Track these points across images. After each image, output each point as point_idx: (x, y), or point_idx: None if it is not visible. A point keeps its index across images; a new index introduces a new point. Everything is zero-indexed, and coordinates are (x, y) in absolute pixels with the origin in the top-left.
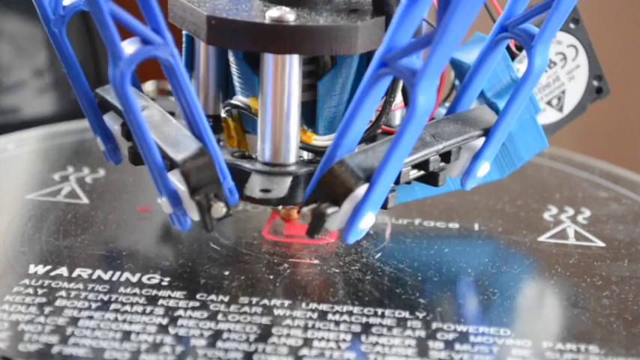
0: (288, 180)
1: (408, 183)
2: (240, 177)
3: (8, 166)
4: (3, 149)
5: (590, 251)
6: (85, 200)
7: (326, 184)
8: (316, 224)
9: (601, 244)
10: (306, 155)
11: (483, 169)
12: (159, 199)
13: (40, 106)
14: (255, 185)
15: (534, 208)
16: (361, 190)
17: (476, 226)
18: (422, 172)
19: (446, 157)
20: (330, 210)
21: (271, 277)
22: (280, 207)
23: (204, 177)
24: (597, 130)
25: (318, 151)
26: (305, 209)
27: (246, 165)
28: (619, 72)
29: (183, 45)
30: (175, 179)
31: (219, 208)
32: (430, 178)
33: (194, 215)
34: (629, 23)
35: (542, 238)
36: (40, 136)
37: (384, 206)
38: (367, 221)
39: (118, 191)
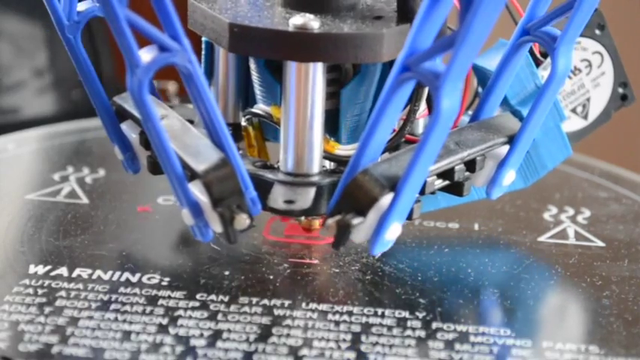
0: (312, 191)
1: (433, 193)
2: (263, 187)
3: (8, 166)
4: (3, 149)
5: (590, 251)
6: (85, 200)
7: (350, 194)
8: (342, 236)
9: (601, 244)
10: (328, 165)
11: (509, 177)
12: (180, 209)
13: (40, 106)
14: (278, 196)
15: (534, 208)
16: (386, 199)
17: (476, 226)
18: (447, 182)
19: (471, 166)
20: (355, 221)
21: (271, 277)
22: (302, 217)
23: (226, 188)
24: (597, 130)
25: (341, 161)
26: (330, 221)
27: (269, 175)
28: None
29: (203, 52)
30: (197, 190)
31: (242, 220)
32: (455, 188)
33: (216, 227)
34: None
35: (542, 238)
36: (40, 136)
37: (410, 217)
38: (393, 232)
39: (118, 191)
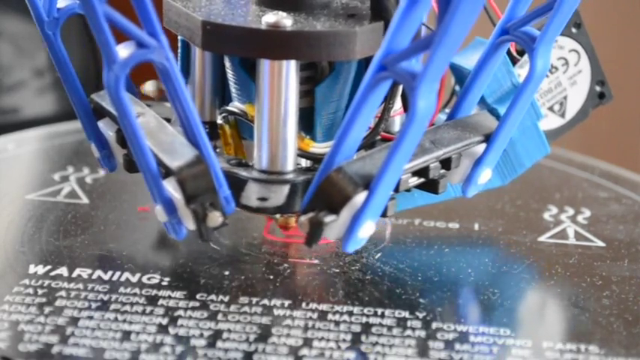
0: (286, 188)
1: (408, 190)
2: (237, 185)
3: (8, 166)
4: (3, 149)
5: (590, 251)
6: (85, 200)
7: (324, 192)
8: (314, 233)
9: (601, 244)
10: (304, 163)
11: (485, 175)
12: (154, 206)
13: (40, 106)
14: (251, 194)
15: (534, 208)
16: (360, 197)
17: (476, 226)
18: (422, 180)
19: (446, 163)
20: (328, 218)
21: (271, 277)
22: (277, 215)
23: (200, 185)
24: (597, 130)
25: (316, 159)
26: (302, 218)
27: (243, 173)
28: (619, 73)
29: (179, 50)
30: (171, 187)
31: (215, 218)
32: (430, 186)
33: (189, 224)
34: (627, 24)
35: (542, 238)
36: (40, 136)
37: (384, 214)
38: (367, 230)
39: (118, 191)
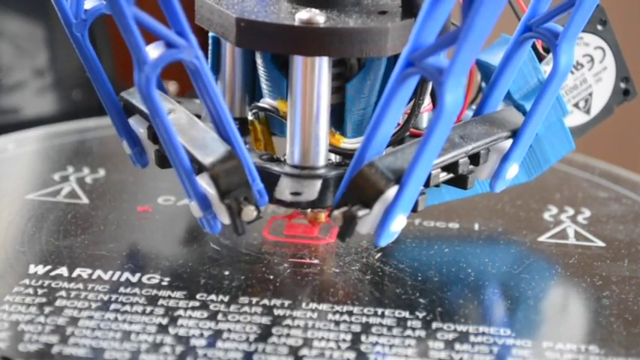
0: (318, 183)
1: (437, 186)
2: (269, 180)
3: (8, 166)
4: (3, 149)
5: (590, 251)
6: (85, 200)
7: (356, 187)
8: (347, 227)
9: (601, 244)
10: (334, 158)
11: (512, 170)
12: (188, 202)
13: (40, 106)
14: (285, 188)
15: (534, 208)
16: (392, 191)
17: (476, 226)
18: (451, 175)
19: (474, 159)
20: (361, 212)
21: (271, 277)
22: (309, 210)
23: (233, 180)
24: (597, 130)
25: (346, 154)
26: (336, 212)
27: (275, 168)
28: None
29: (210, 47)
30: (204, 183)
31: (249, 212)
32: (459, 181)
33: (224, 219)
34: (628, 24)
35: (542, 238)
36: (40, 136)
37: (415, 209)
38: (398, 224)
39: (118, 191)
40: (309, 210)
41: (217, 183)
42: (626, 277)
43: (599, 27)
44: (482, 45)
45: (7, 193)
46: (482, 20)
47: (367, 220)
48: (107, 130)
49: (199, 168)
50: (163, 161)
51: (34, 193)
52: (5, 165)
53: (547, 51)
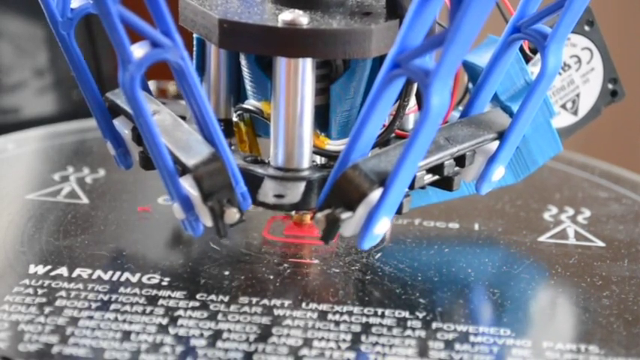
0: (302, 185)
1: (423, 188)
2: (253, 182)
3: (8, 166)
4: (3, 149)
5: (590, 251)
6: (85, 200)
7: (340, 189)
8: (330, 230)
9: (601, 244)
10: (319, 160)
11: (498, 172)
12: (171, 204)
13: (40, 106)
14: (268, 190)
15: (534, 208)
16: (375, 194)
17: (476, 226)
18: (436, 177)
19: (460, 161)
20: (344, 215)
21: (271, 277)
22: (293, 212)
23: (216, 182)
24: (597, 130)
25: (331, 156)
26: (319, 215)
27: (259, 170)
28: (619, 72)
29: (194, 48)
30: (187, 184)
31: (232, 214)
32: (444, 183)
33: (207, 221)
34: (628, 23)
35: (542, 238)
36: (40, 136)
37: (399, 211)
38: (382, 226)
39: (118, 191)
40: (294, 212)
41: (200, 185)
42: (626, 277)
43: (587, 28)
44: (469, 47)
45: (7, 193)
46: (469, 22)
47: (350, 222)
48: None
49: (183, 169)
50: (147, 163)
51: (34, 193)
52: (5, 165)
53: (534, 52)
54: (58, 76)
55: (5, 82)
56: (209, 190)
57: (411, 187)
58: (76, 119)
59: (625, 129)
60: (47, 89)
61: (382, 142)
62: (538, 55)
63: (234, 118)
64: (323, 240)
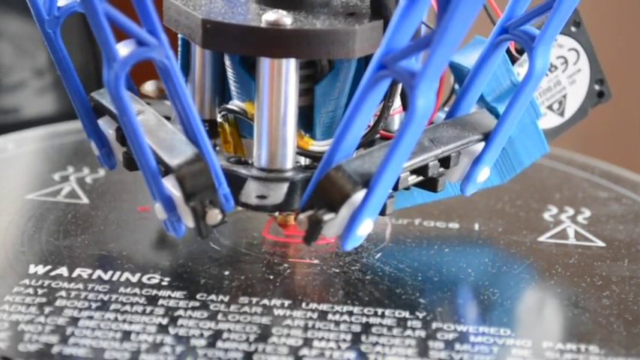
0: (285, 186)
1: (407, 189)
2: (236, 183)
3: (8, 166)
4: (3, 149)
5: (590, 251)
6: (85, 200)
7: (323, 190)
8: (313, 231)
9: (601, 244)
10: (303, 161)
11: (483, 174)
12: (153, 204)
13: (40, 106)
14: (251, 191)
15: (534, 208)
16: (359, 195)
17: (476, 226)
18: (421, 178)
19: (445, 162)
20: (327, 216)
21: (271, 277)
22: (277, 213)
23: (199, 183)
24: (597, 130)
25: (315, 157)
26: (301, 216)
27: (242, 171)
28: (619, 72)
29: (179, 48)
30: (170, 185)
31: (214, 215)
32: (429, 184)
33: (188, 222)
34: (627, 23)
35: (542, 238)
36: (40, 136)
37: (383, 212)
38: (365, 228)
39: (118, 191)
40: (277, 213)
41: (183, 185)
42: (626, 277)
43: (573, 29)
44: (456, 49)
45: (7, 193)
46: (457, 24)
47: (333, 224)
48: None
49: (166, 170)
50: (131, 163)
51: (34, 193)
52: (5, 165)
53: (520, 52)
54: (58, 76)
55: (5, 82)
56: (191, 191)
57: (395, 188)
58: (76, 119)
59: (625, 129)
60: (47, 89)
61: (366, 143)
62: (524, 56)
63: (219, 119)
64: (305, 242)
